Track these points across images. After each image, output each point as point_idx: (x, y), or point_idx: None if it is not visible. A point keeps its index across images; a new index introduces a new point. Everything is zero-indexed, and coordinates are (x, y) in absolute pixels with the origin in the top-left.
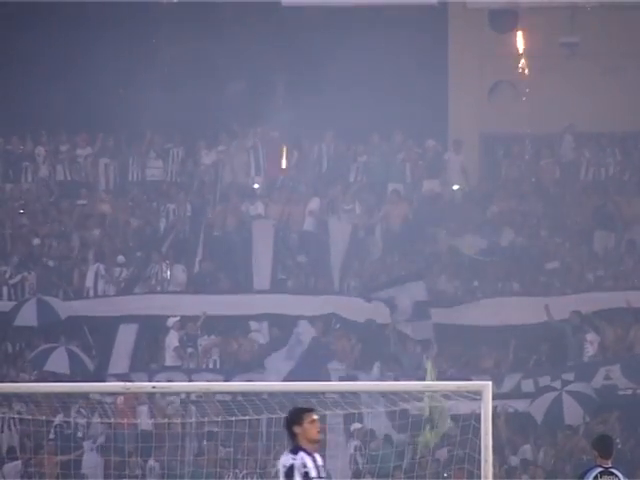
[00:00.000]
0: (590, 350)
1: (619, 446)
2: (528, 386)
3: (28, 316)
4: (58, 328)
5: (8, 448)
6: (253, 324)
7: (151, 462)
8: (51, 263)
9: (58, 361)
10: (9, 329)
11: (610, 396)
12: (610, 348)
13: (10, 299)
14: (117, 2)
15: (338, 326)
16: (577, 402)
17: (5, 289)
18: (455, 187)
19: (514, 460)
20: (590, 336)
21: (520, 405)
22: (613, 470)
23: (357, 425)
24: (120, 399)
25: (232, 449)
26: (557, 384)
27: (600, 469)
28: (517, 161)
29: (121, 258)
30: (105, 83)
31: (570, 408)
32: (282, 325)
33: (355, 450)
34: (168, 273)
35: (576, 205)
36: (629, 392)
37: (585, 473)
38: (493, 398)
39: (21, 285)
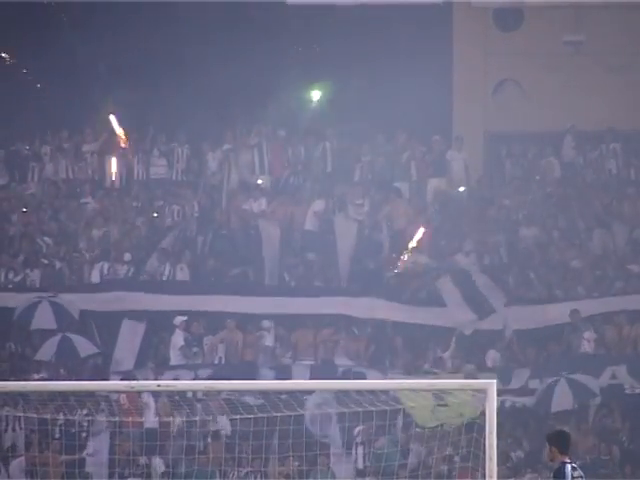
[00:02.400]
0: (587, 348)
1: (625, 445)
2: (534, 385)
3: (45, 319)
4: (75, 327)
5: (13, 446)
6: (264, 323)
7: (156, 460)
8: (55, 262)
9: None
10: (23, 332)
11: (616, 395)
12: (615, 347)
13: (15, 298)
14: (124, 2)
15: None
16: (570, 388)
17: (11, 287)
18: (461, 189)
19: (518, 458)
20: (587, 334)
21: (527, 401)
22: (575, 465)
23: (361, 426)
24: (123, 397)
25: (236, 447)
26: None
27: (570, 464)
28: (521, 159)
29: (127, 256)
30: (110, 82)
31: (561, 395)
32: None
33: (360, 448)
34: (173, 271)
35: (579, 204)
36: (637, 391)
37: (563, 471)
38: (499, 395)
39: (26, 283)
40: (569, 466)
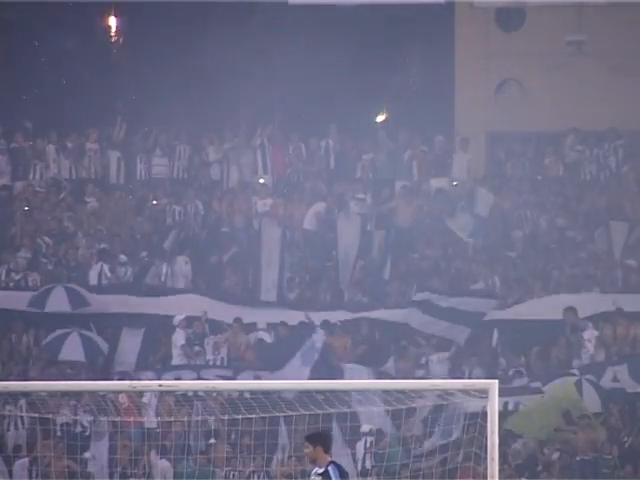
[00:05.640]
0: (588, 347)
1: (626, 444)
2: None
3: (59, 301)
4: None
5: (15, 446)
6: (261, 324)
7: (157, 460)
8: (57, 261)
9: (72, 348)
10: (37, 317)
11: (617, 393)
12: (615, 348)
13: (16, 298)
14: (127, 2)
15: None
16: (594, 390)
17: (11, 286)
18: (454, 183)
19: (520, 457)
20: (587, 333)
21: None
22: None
23: (366, 427)
24: (123, 396)
25: (238, 447)
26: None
27: (335, 463)
28: (523, 159)
29: (123, 257)
30: (112, 81)
31: (589, 394)
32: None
33: (364, 448)
34: (173, 271)
35: (581, 203)
36: (638, 389)
37: (341, 470)
38: (500, 395)
39: (25, 282)
40: (337, 465)
